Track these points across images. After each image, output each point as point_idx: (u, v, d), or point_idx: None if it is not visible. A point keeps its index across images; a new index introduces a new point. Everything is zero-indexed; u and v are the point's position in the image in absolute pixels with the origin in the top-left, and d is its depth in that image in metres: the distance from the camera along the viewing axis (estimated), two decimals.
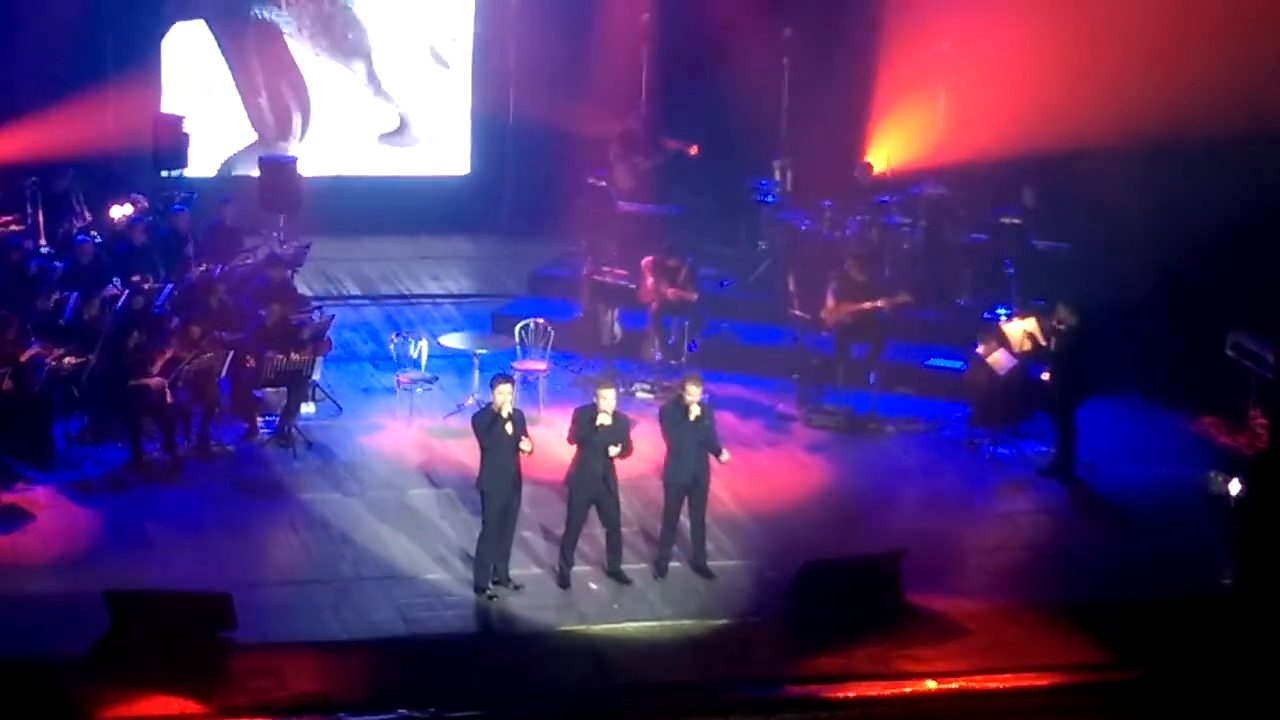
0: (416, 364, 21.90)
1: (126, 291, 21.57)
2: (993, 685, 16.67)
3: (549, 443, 19.62)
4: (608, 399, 17.68)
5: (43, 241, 23.97)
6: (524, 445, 17.45)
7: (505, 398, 17.45)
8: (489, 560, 17.67)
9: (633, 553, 18.47)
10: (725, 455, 18.06)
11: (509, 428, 17.39)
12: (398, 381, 21.89)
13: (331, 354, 22.14)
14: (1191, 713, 16.74)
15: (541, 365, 22.15)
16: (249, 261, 23.64)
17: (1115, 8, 23.70)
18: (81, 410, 20.46)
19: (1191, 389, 22.57)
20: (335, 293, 25.32)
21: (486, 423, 17.44)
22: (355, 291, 25.77)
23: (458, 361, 22.53)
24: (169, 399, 19.92)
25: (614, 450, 17.61)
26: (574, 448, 17.90)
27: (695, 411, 17.92)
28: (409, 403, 21.68)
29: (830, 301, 22.69)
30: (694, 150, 26.47)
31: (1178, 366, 22.71)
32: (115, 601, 16.37)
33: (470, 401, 21.36)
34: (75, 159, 24.89)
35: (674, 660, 16.80)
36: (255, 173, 26.41)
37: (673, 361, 22.99)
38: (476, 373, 21.80)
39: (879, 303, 22.62)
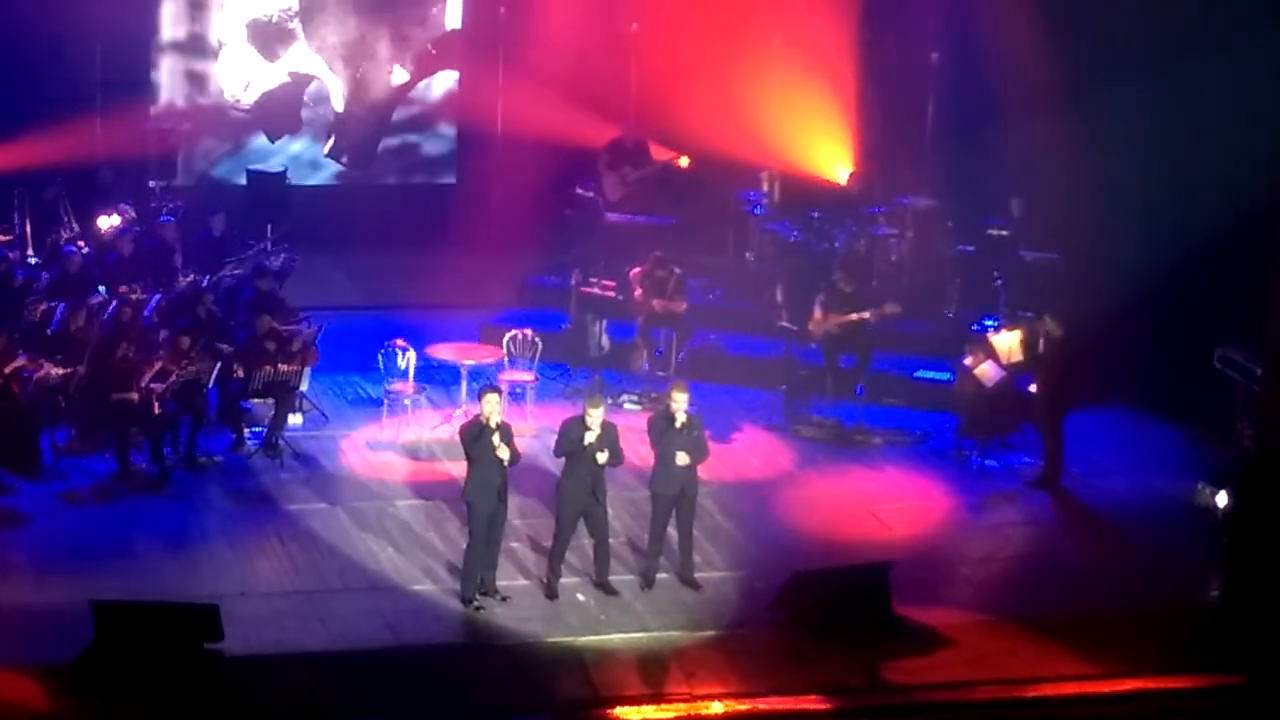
0: (404, 375, 21.87)
1: (114, 302, 21.55)
2: (980, 697, 16.66)
3: (537, 454, 19.62)
4: (596, 417, 17.62)
5: (30, 251, 23.97)
6: (501, 453, 17.37)
7: (493, 408, 17.42)
8: (476, 571, 17.65)
9: (620, 564, 18.44)
10: (683, 458, 17.94)
11: (496, 439, 17.35)
12: (385, 392, 21.86)
13: (319, 365, 22.10)
14: None
15: (527, 376, 22.13)
16: (236, 272, 23.62)
17: None
18: (69, 421, 20.43)
19: (1179, 401, 22.59)
20: (323, 303, 25.25)
21: (474, 434, 17.41)
22: (343, 302, 25.73)
23: (445, 373, 22.52)
24: (156, 410, 19.90)
25: (602, 457, 17.57)
26: (561, 459, 17.89)
27: (681, 418, 17.89)
28: (396, 414, 21.65)
29: (818, 313, 22.68)
30: (683, 161, 26.48)
31: (1165, 378, 22.72)
32: (101, 612, 16.32)
33: (458, 413, 21.34)
34: (63, 169, 24.86)
35: (661, 672, 16.78)
36: (240, 180, 26.44)
37: (660, 373, 22.98)
38: (464, 384, 21.79)
39: (867, 314, 22.62)
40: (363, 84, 28.07)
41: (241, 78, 27.58)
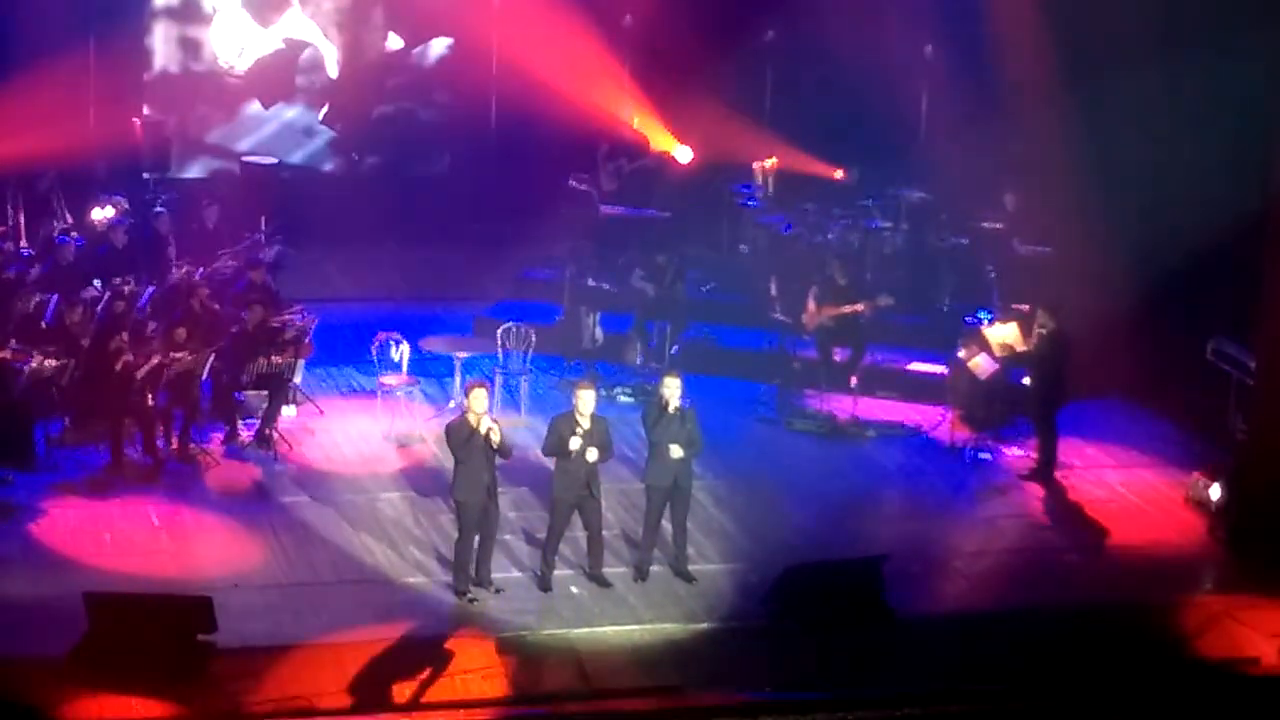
0: (397, 367, 21.86)
1: (107, 294, 21.53)
2: (972, 690, 16.65)
3: (530, 446, 19.61)
4: (586, 400, 17.64)
5: (23, 243, 23.94)
6: (494, 435, 17.27)
7: (482, 403, 17.39)
8: (468, 563, 17.63)
9: (614, 556, 18.45)
10: (677, 451, 17.94)
11: (485, 432, 17.28)
12: (379, 384, 21.85)
13: (312, 357, 22.09)
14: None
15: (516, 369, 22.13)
16: (230, 264, 23.59)
17: None
18: (62, 412, 20.40)
19: (1172, 393, 22.61)
20: (316, 295, 25.21)
21: (462, 436, 17.31)
22: (336, 294, 25.71)
23: (439, 365, 22.52)
24: (150, 401, 19.89)
25: (592, 455, 17.57)
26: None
27: (674, 404, 17.87)
28: (390, 406, 21.64)
29: (812, 305, 22.69)
30: (683, 157, 26.46)
31: (1158, 371, 22.73)
32: (94, 603, 16.32)
33: (452, 405, 21.34)
34: (56, 161, 24.82)
35: (654, 664, 16.78)
36: (232, 148, 26.49)
37: (654, 365, 22.99)
38: (458, 376, 21.79)
39: (860, 306, 22.63)
40: (357, 50, 27.99)
41: (235, 44, 27.52)
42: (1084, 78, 23.59)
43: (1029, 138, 24.03)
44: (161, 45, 27.31)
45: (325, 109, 28.01)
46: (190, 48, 27.43)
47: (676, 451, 17.85)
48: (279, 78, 27.76)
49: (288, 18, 27.63)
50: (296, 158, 27.82)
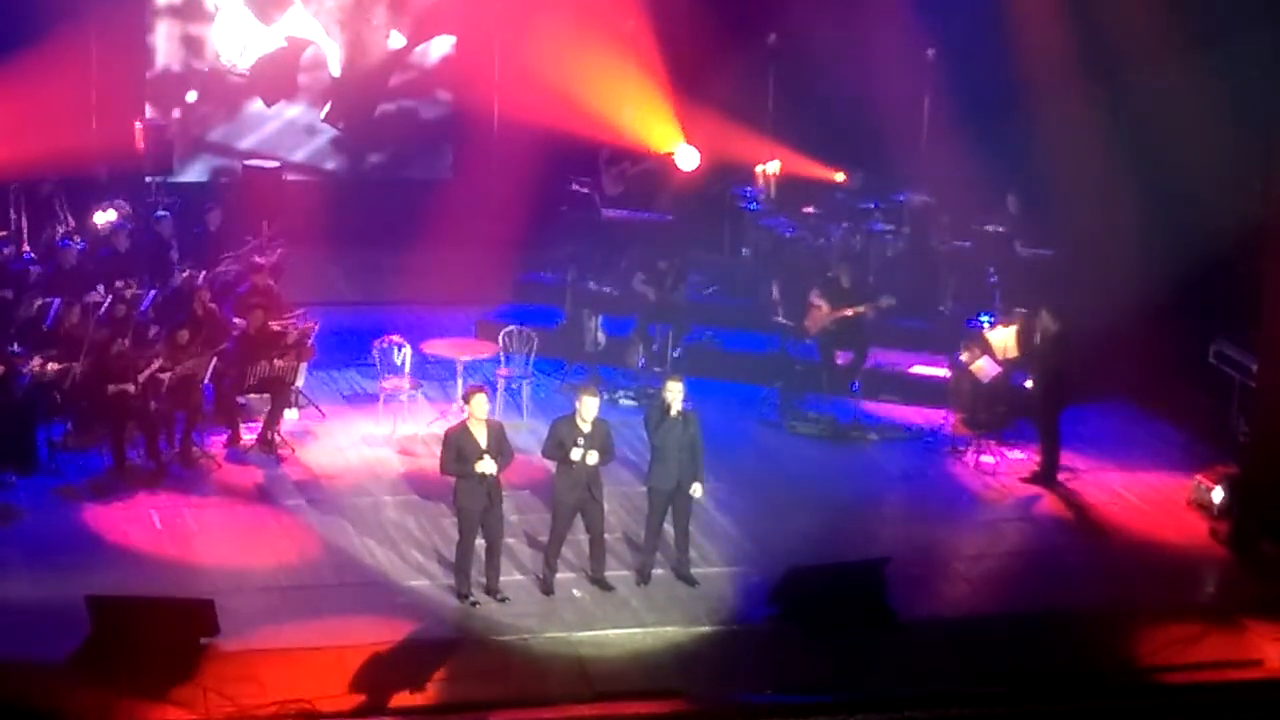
0: (400, 370, 21.87)
1: (109, 298, 21.54)
2: (973, 692, 16.66)
3: (533, 449, 19.60)
4: (590, 407, 17.64)
5: (26, 247, 23.94)
6: (481, 466, 17.27)
7: (483, 409, 17.37)
8: (469, 567, 17.62)
9: (616, 559, 18.45)
10: (698, 490, 17.96)
11: (485, 444, 17.26)
12: (381, 388, 21.86)
13: (315, 360, 22.10)
14: None
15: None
16: (232, 267, 23.60)
17: None
18: (65, 416, 20.41)
19: (1174, 396, 22.61)
20: (318, 298, 25.24)
21: (466, 453, 17.27)
22: (339, 297, 25.72)
23: (441, 368, 22.52)
24: (152, 405, 19.90)
25: (592, 459, 17.57)
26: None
27: (676, 408, 17.87)
28: (392, 409, 21.65)
29: (823, 305, 22.69)
30: (687, 164, 26.45)
31: (1160, 374, 22.73)
32: (97, 607, 16.34)
33: (454, 408, 21.33)
34: (59, 164, 24.81)
35: (657, 667, 16.78)
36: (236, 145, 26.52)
37: (656, 369, 22.99)
38: (460, 379, 21.79)
39: (863, 308, 22.64)
40: (360, 48, 27.99)
41: (237, 42, 27.53)
42: (1087, 80, 23.61)
43: (1031, 141, 24.02)
44: (164, 44, 27.35)
45: (327, 107, 28.03)
46: (192, 46, 27.46)
47: (698, 491, 17.84)
48: (281, 76, 27.78)
49: (290, 16, 27.65)
50: (299, 156, 27.84)
